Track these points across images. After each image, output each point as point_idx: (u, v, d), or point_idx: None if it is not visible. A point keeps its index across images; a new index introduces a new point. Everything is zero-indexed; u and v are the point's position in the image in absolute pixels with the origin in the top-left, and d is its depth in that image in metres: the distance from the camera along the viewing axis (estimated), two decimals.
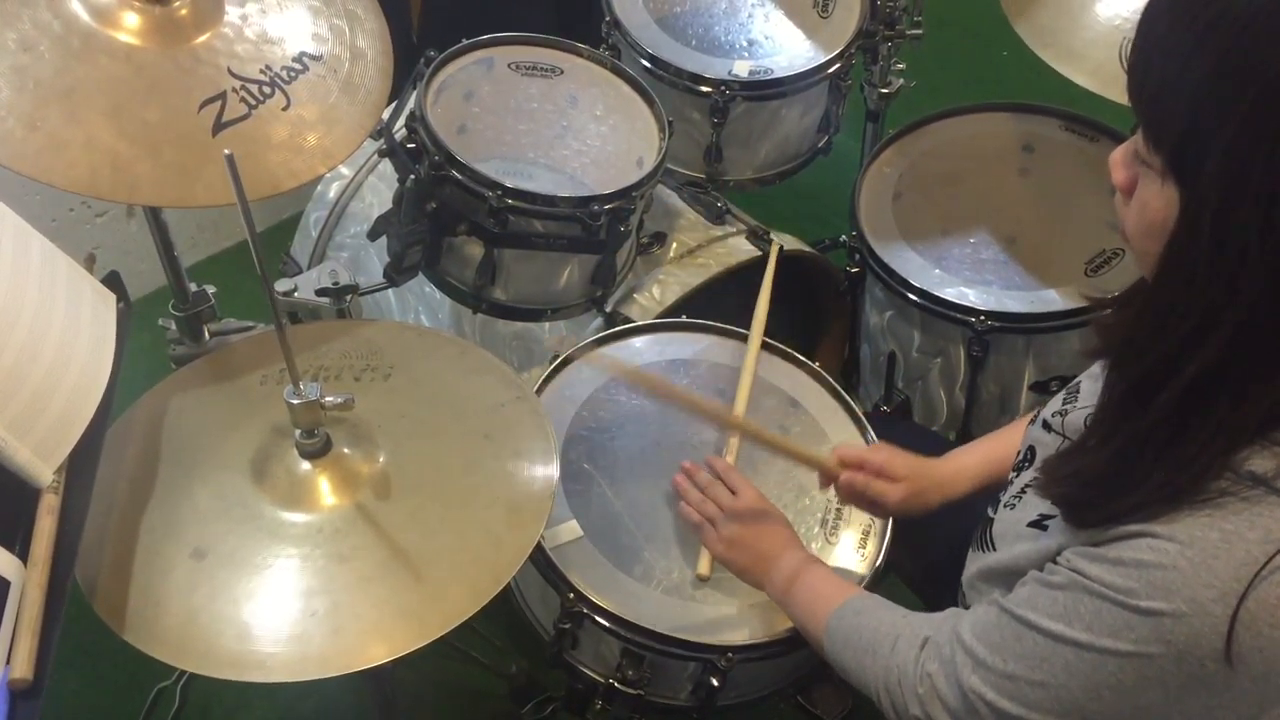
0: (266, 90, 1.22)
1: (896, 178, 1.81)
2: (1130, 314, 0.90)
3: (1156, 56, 0.80)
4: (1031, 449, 1.10)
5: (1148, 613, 0.81)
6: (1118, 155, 0.88)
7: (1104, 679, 0.84)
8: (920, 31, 1.96)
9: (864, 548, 1.37)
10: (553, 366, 1.50)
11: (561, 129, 1.64)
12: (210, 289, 1.46)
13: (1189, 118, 0.77)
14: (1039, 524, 0.97)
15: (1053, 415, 1.08)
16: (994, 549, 1.05)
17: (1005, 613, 0.93)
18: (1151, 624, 0.81)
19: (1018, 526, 1.00)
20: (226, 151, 0.87)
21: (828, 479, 1.34)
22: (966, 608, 1.09)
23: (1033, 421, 1.13)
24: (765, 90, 1.80)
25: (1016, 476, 1.10)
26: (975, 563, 1.09)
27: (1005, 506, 1.06)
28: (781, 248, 1.70)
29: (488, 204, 1.46)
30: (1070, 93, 1.64)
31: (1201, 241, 0.78)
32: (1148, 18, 0.81)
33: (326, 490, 1.12)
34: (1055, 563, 0.91)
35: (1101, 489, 0.87)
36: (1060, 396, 1.11)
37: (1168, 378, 0.82)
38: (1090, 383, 1.07)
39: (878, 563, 1.35)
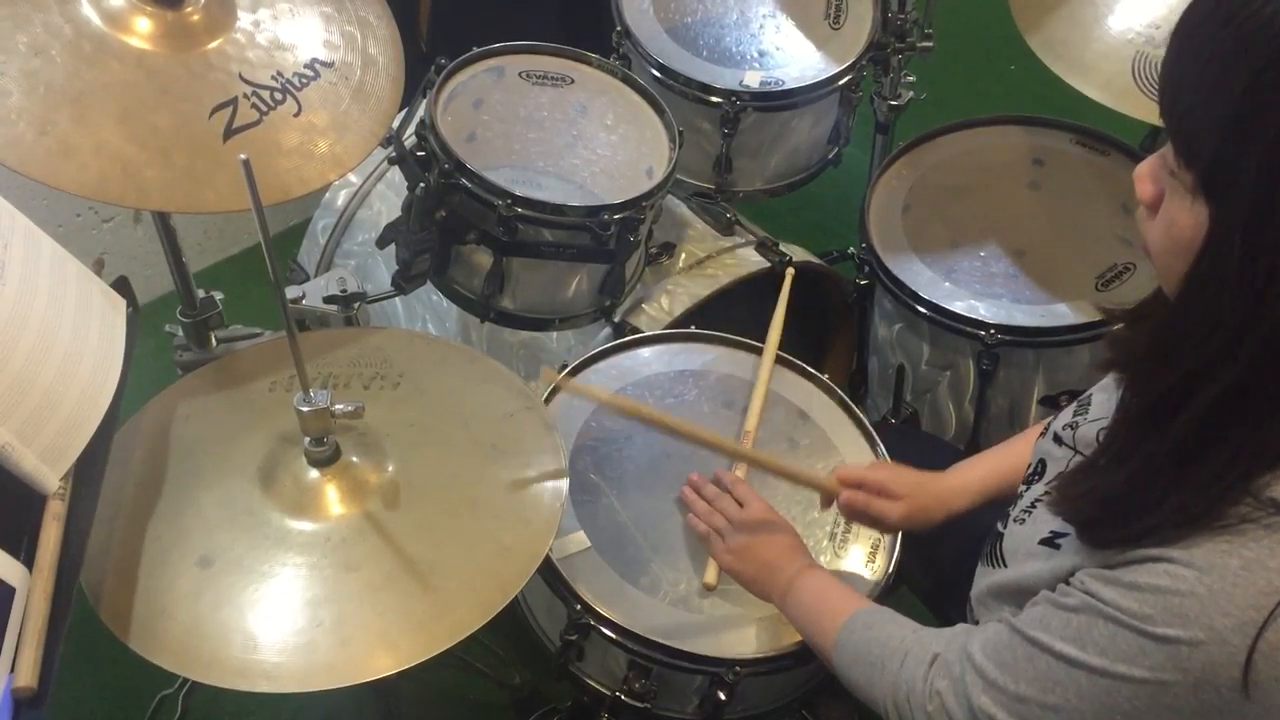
0: (278, 96, 1.22)
1: (906, 190, 1.81)
2: (1148, 331, 0.89)
3: (1191, 71, 0.78)
4: (1042, 462, 1.09)
5: (1164, 640, 0.80)
6: (1144, 169, 0.86)
7: (1118, 704, 0.83)
8: (931, 44, 1.96)
9: (873, 561, 1.36)
10: (561, 376, 1.50)
11: (571, 138, 1.63)
12: (218, 295, 1.46)
13: (1223, 134, 0.76)
14: (1051, 542, 0.96)
15: (1063, 428, 1.07)
16: (1004, 565, 1.03)
17: (1017, 633, 0.92)
18: (1167, 651, 0.80)
19: (1029, 543, 0.99)
20: (242, 156, 0.86)
21: (829, 499, 1.34)
22: (976, 623, 1.08)
23: (1043, 434, 1.12)
24: (775, 101, 1.80)
25: (1026, 490, 1.09)
26: (985, 578, 1.08)
27: (1015, 521, 1.05)
28: (795, 271, 1.69)
29: (497, 212, 1.45)
30: (1079, 106, 1.63)
31: (1230, 261, 0.76)
32: (1182, 31, 0.80)
33: (334, 499, 1.11)
34: (1069, 583, 0.90)
35: (1116, 510, 0.86)
36: (1071, 409, 1.10)
37: (1187, 398, 0.81)
38: (1102, 395, 1.07)
39: (887, 576, 1.34)
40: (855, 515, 1.32)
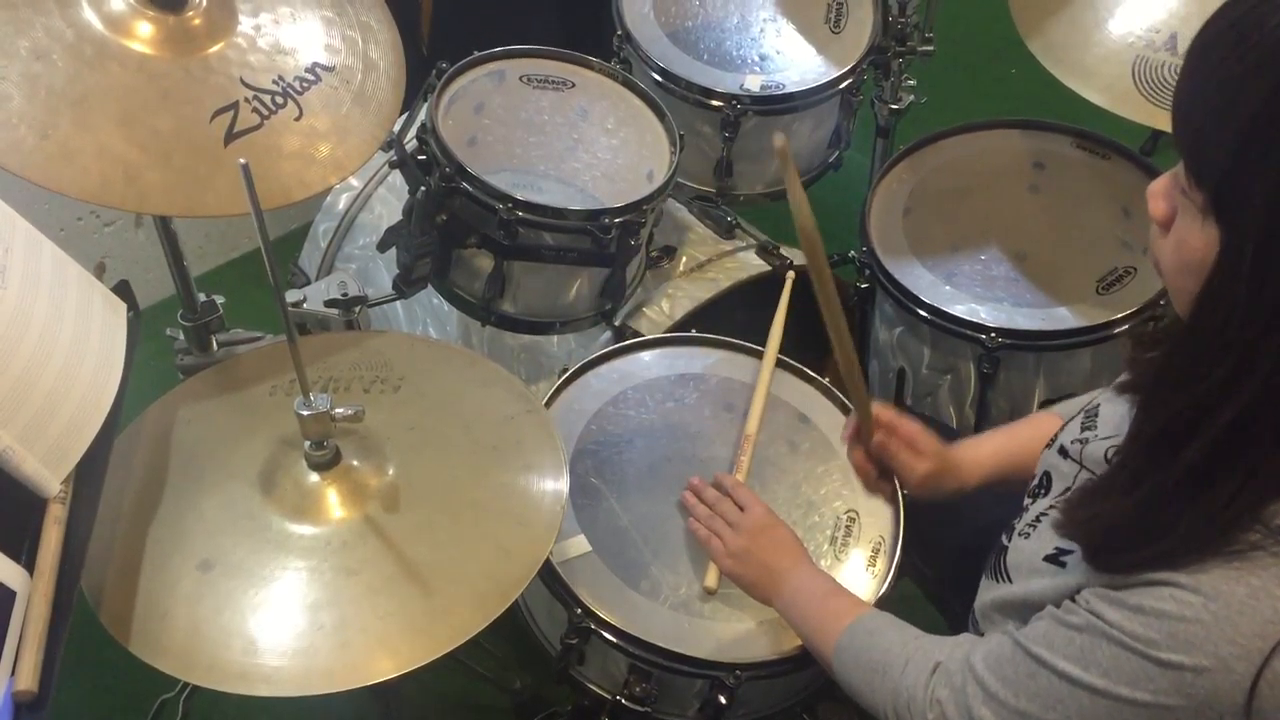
0: (279, 100, 1.22)
1: (907, 193, 1.81)
2: (1162, 354, 0.88)
3: (1203, 92, 0.78)
4: (1047, 475, 1.09)
5: (1168, 665, 0.80)
6: (1157, 187, 0.85)
7: None
8: (931, 48, 1.96)
9: (874, 565, 1.36)
10: (562, 380, 1.50)
11: (572, 142, 1.63)
12: (219, 299, 1.46)
13: (1234, 155, 0.75)
14: (1056, 559, 0.96)
15: (1071, 442, 1.07)
16: (1009, 580, 1.03)
17: (1020, 647, 0.91)
18: (1172, 676, 0.79)
19: (1034, 559, 0.99)
20: (242, 160, 0.86)
21: (860, 429, 1.27)
22: (980, 634, 1.08)
23: (1050, 445, 1.12)
24: (776, 105, 1.80)
25: (1032, 503, 1.09)
26: (989, 592, 1.07)
27: (1020, 535, 1.05)
28: (796, 274, 1.69)
29: (498, 216, 1.45)
30: (1079, 109, 1.63)
31: (1241, 282, 0.76)
32: (1195, 52, 0.79)
33: (335, 502, 1.11)
34: (1074, 601, 0.89)
35: (1125, 535, 0.86)
36: (1078, 421, 1.09)
37: (1199, 422, 0.80)
38: (1110, 408, 1.06)
39: (887, 580, 1.34)
40: (879, 461, 1.27)
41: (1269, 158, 0.74)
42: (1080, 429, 1.07)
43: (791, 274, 1.68)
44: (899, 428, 1.26)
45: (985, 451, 1.30)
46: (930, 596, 1.47)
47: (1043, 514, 1.02)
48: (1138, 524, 0.85)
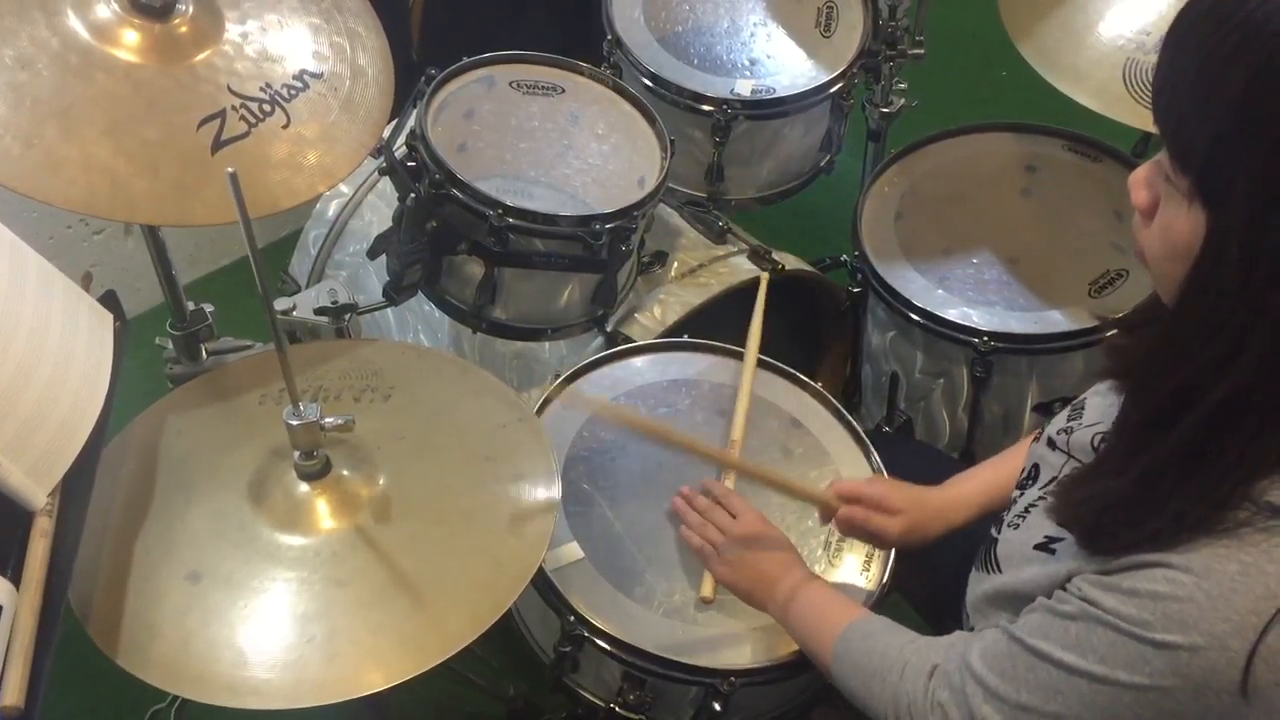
0: (266, 108, 1.21)
1: (898, 197, 1.80)
2: (1148, 339, 0.89)
3: (1184, 77, 0.78)
4: (1036, 466, 1.09)
5: (1163, 646, 0.80)
6: (1139, 176, 0.86)
7: (1119, 711, 0.83)
8: (922, 51, 1.96)
9: (868, 570, 1.36)
10: (553, 386, 1.49)
11: (563, 148, 1.63)
12: (208, 308, 1.45)
13: (1218, 139, 0.76)
14: (1046, 547, 0.96)
15: (1058, 433, 1.07)
16: (999, 571, 1.03)
17: (1016, 642, 0.91)
18: (1167, 657, 0.80)
19: (1024, 548, 0.99)
20: (230, 169, 0.85)
21: (827, 514, 1.32)
22: (971, 629, 1.08)
23: (1037, 438, 1.12)
24: (767, 109, 1.80)
25: (1020, 494, 1.09)
26: (980, 584, 1.07)
27: (1009, 526, 1.05)
28: (771, 279, 1.68)
29: (488, 223, 1.45)
30: (1070, 112, 1.63)
31: (1230, 265, 0.76)
32: (1174, 36, 0.80)
33: (325, 513, 1.10)
34: (1065, 590, 0.89)
35: (1117, 516, 0.86)
36: (1065, 413, 1.10)
37: (1189, 405, 0.80)
38: (1097, 399, 1.06)
39: (882, 585, 1.34)
40: (853, 531, 1.31)
41: (1253, 140, 0.74)
42: (1066, 420, 1.07)
43: (766, 275, 1.68)
44: (863, 495, 1.29)
45: (971, 488, 1.31)
46: (923, 616, 1.46)
47: (1032, 504, 1.02)
48: (1130, 505, 0.85)
